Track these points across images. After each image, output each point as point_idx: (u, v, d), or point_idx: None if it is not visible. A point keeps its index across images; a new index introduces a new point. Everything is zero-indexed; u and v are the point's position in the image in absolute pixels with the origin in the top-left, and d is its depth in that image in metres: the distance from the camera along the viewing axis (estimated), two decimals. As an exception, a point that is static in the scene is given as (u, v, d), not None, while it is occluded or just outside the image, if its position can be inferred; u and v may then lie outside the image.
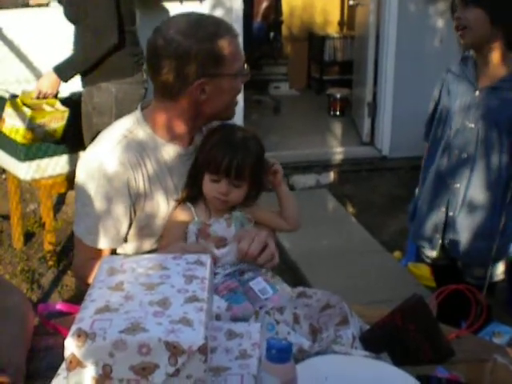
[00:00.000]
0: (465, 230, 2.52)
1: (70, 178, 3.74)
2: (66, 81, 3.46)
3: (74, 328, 1.06)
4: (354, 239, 4.42)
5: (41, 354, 1.49)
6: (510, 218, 2.46)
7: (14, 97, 3.56)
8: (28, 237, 4.26)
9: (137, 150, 1.80)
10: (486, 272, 2.53)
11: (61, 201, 4.69)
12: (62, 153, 3.76)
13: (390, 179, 5.36)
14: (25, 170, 3.67)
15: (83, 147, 3.42)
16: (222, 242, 1.78)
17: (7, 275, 3.77)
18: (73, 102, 3.62)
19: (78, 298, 3.19)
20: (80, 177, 1.82)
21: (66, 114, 3.57)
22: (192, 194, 1.85)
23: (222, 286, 1.64)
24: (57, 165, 3.75)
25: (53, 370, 1.26)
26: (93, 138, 1.93)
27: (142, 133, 1.83)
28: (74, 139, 3.67)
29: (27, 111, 3.45)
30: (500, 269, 2.54)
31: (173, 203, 1.86)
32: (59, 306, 1.63)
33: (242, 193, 1.82)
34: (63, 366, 1.23)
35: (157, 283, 1.19)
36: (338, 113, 6.59)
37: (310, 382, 1.27)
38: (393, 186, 5.27)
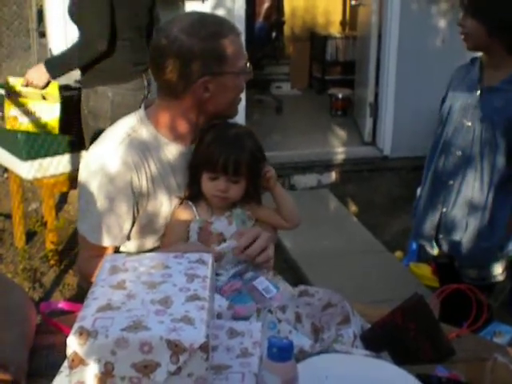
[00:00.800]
0: (457, 228, 2.53)
1: (72, 177, 3.75)
2: (54, 77, 3.45)
3: (76, 326, 1.07)
4: (356, 239, 4.43)
5: (43, 352, 1.50)
6: (502, 220, 2.48)
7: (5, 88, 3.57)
8: (30, 236, 4.27)
9: (140, 149, 1.81)
10: (479, 273, 2.54)
11: (63, 200, 4.70)
12: (63, 152, 3.77)
13: (392, 179, 5.36)
14: (27, 169, 3.68)
15: (85, 146, 3.43)
16: (223, 239, 1.79)
17: (9, 274, 3.78)
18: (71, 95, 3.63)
19: (79, 296, 3.19)
20: (83, 175, 1.83)
21: (57, 107, 3.54)
22: (193, 193, 1.86)
23: (226, 286, 1.64)
24: (59, 164, 3.76)
25: (55, 368, 1.27)
26: (91, 141, 1.93)
27: (145, 131, 1.84)
28: (75, 136, 3.68)
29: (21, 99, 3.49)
30: (498, 270, 2.54)
31: (175, 202, 1.86)
32: (61, 305, 1.63)
33: (240, 189, 1.83)
34: (65, 363, 1.23)
35: (159, 282, 1.19)
36: (339, 113, 6.59)
37: (311, 380, 1.28)
38: (394, 185, 5.27)
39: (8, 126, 3.60)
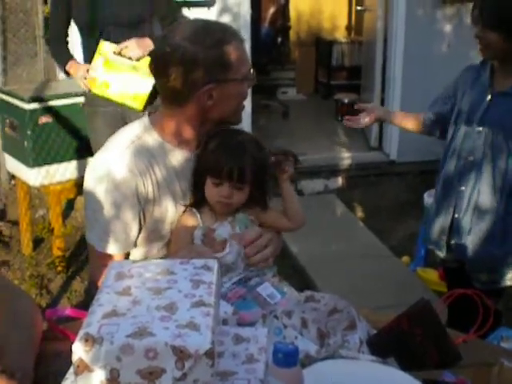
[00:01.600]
0: (469, 233, 2.52)
1: (78, 184, 3.76)
2: None
3: (81, 332, 1.07)
4: (362, 244, 4.42)
5: (49, 358, 1.50)
6: None
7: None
8: (37, 242, 4.28)
9: (145, 156, 1.81)
10: (490, 277, 2.53)
11: (70, 206, 4.71)
12: (70, 158, 3.78)
13: (399, 184, 5.35)
14: (34, 176, 3.69)
15: (92, 153, 3.44)
16: (226, 245, 1.80)
17: (16, 281, 3.79)
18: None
19: (86, 303, 3.20)
20: (88, 183, 1.83)
21: (151, 82, 3.07)
22: (197, 199, 1.86)
23: (231, 293, 1.64)
24: (66, 170, 3.78)
25: (61, 375, 1.27)
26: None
27: (150, 138, 1.84)
28: (81, 143, 3.68)
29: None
30: (509, 274, 2.53)
31: (181, 208, 1.86)
32: (68, 312, 1.63)
33: (244, 195, 1.83)
34: (71, 370, 1.23)
35: (164, 288, 1.19)
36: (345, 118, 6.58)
37: (317, 386, 1.28)
38: (401, 190, 5.26)
39: (96, 91, 3.32)
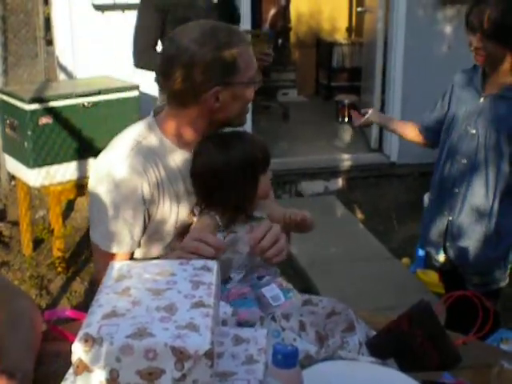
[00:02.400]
0: (464, 236, 2.53)
1: (79, 185, 3.76)
2: None
3: (81, 333, 1.07)
4: (362, 246, 4.42)
5: (49, 359, 1.50)
6: (509, 227, 2.47)
7: None
8: (37, 243, 4.28)
9: (149, 156, 1.81)
10: (483, 279, 2.53)
11: (70, 207, 4.71)
12: (70, 159, 3.78)
13: (399, 186, 5.35)
14: (34, 177, 3.69)
15: (92, 153, 3.44)
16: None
17: (16, 281, 3.79)
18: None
19: (86, 304, 3.20)
20: (92, 183, 1.83)
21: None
22: (211, 204, 1.84)
23: (234, 290, 1.64)
24: (66, 171, 3.77)
25: (60, 375, 1.27)
26: None
27: (154, 138, 1.84)
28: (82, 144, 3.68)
29: None
30: (501, 275, 2.54)
31: (183, 209, 1.85)
32: (68, 313, 1.63)
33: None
34: (71, 370, 1.23)
35: (163, 289, 1.19)
36: (346, 119, 6.59)
37: (317, 387, 1.28)
38: (401, 192, 5.26)
39: None
